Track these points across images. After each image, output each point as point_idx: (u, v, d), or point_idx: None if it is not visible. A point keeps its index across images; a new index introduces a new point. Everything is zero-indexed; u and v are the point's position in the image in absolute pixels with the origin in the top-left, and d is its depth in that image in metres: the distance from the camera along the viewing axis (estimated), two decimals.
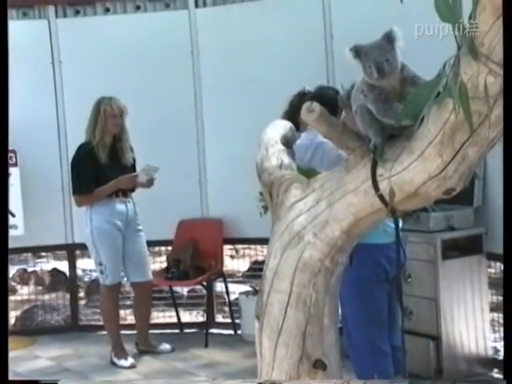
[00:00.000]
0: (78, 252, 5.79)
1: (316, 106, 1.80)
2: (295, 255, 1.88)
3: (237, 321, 5.35)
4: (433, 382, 3.55)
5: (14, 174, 5.09)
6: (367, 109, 1.78)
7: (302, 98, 3.86)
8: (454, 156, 1.62)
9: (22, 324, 5.64)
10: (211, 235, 5.34)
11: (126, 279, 5.09)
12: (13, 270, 6.87)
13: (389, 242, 3.13)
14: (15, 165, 5.12)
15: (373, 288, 3.21)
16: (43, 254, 6.55)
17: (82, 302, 6.06)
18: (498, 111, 1.51)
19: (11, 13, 5.30)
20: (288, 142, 2.25)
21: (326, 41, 4.98)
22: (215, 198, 5.41)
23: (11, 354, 4.02)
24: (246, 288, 5.64)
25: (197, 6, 5.41)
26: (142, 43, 5.32)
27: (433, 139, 1.63)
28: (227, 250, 6.20)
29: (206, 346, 5.06)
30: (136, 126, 4.83)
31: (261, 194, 4.16)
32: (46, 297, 6.14)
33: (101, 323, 5.31)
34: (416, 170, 1.68)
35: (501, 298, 4.84)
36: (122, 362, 4.74)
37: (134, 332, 5.03)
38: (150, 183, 4.78)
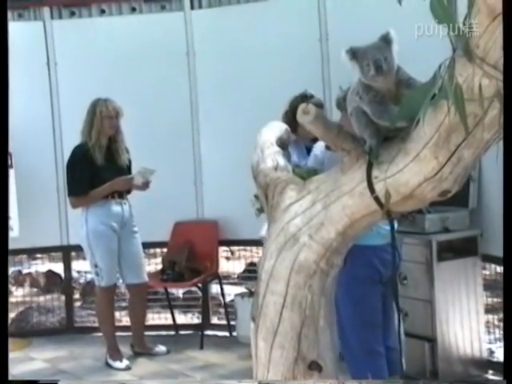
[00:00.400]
0: (73, 254, 5.78)
1: (311, 107, 1.81)
2: (291, 257, 1.88)
3: (232, 322, 5.34)
4: (427, 383, 3.56)
5: (9, 175, 5.08)
6: (362, 111, 1.78)
7: (303, 100, 3.89)
8: (449, 158, 1.63)
9: (17, 326, 5.62)
10: (207, 237, 5.34)
11: (121, 281, 5.08)
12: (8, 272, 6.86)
13: (382, 243, 3.14)
14: (10, 166, 5.11)
15: (366, 289, 3.21)
16: (38, 255, 6.55)
17: (77, 304, 6.05)
18: (493, 113, 1.51)
19: None
20: (283, 144, 2.25)
21: (321, 43, 4.99)
22: (211, 200, 5.41)
23: None
24: (242, 290, 5.63)
25: (192, 7, 5.41)
26: (137, 45, 5.32)
27: (428, 141, 1.63)
28: (223, 251, 6.20)
29: (202, 347, 5.05)
30: (131, 127, 4.83)
31: (256, 196, 4.17)
32: (41, 298, 6.13)
33: (96, 325, 5.30)
34: (411, 171, 1.68)
35: (496, 300, 4.86)
36: (117, 364, 4.73)
37: (130, 334, 5.03)
38: (145, 186, 4.78)
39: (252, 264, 6.06)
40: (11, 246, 4.70)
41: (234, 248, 6.34)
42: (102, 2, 5.54)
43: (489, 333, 4.51)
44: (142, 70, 5.31)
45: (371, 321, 3.25)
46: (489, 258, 4.30)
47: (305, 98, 3.93)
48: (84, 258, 5.29)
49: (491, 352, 4.44)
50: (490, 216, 4.21)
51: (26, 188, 5.23)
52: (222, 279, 5.52)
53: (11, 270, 7.00)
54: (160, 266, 5.45)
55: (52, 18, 5.47)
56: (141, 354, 4.94)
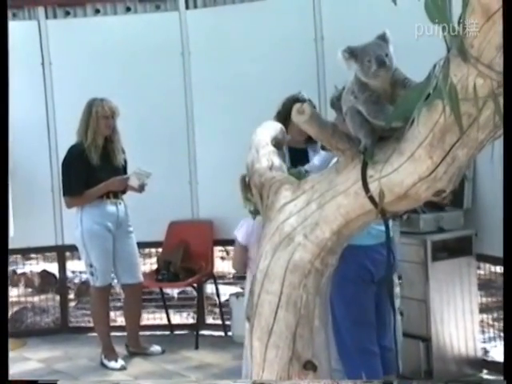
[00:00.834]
0: (67, 253, 5.77)
1: (306, 107, 1.81)
2: (286, 256, 1.88)
3: (227, 322, 5.35)
4: (421, 382, 3.56)
5: None
6: (357, 110, 1.79)
7: (295, 102, 3.90)
8: (443, 157, 1.63)
9: (11, 326, 5.60)
10: (202, 237, 5.34)
11: (116, 281, 5.08)
12: None
13: (373, 243, 3.15)
14: None
15: (357, 289, 3.22)
16: (33, 255, 6.53)
17: (72, 304, 6.05)
18: (488, 113, 1.52)
19: None
20: (278, 144, 2.25)
21: (316, 42, 5.00)
22: (206, 200, 5.41)
23: None
24: (237, 289, 5.64)
25: (187, 7, 5.41)
26: (132, 44, 5.31)
27: (423, 141, 1.63)
28: (218, 251, 6.20)
29: (197, 347, 5.05)
30: (126, 127, 4.82)
31: (247, 198, 4.17)
32: (36, 299, 6.12)
33: (91, 325, 5.29)
34: (406, 171, 1.69)
35: (490, 299, 4.87)
36: (112, 364, 4.73)
37: (124, 334, 5.02)
38: (141, 188, 4.78)
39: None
40: None
41: (229, 248, 6.33)
42: (97, 1, 5.53)
43: (483, 332, 4.53)
44: (137, 70, 5.30)
45: (364, 320, 3.25)
46: (483, 258, 4.31)
47: (297, 100, 3.94)
48: (79, 258, 5.29)
49: (486, 351, 4.46)
50: (485, 216, 4.23)
51: (20, 188, 5.22)
52: (217, 279, 5.52)
53: None
54: (155, 266, 5.44)
55: (47, 17, 5.46)
56: (136, 353, 4.94)
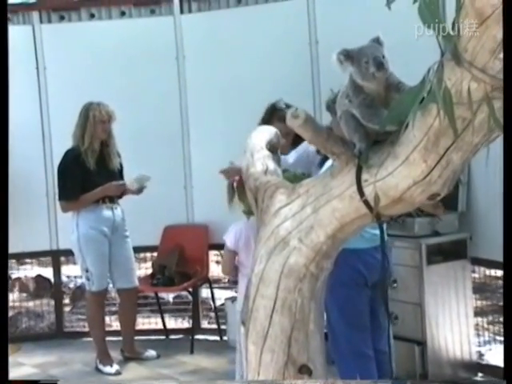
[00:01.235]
0: (62, 258, 5.76)
1: (301, 111, 1.81)
2: (281, 261, 1.88)
3: (222, 327, 5.34)
4: (414, 383, 3.56)
5: None
6: (352, 114, 1.79)
7: (273, 111, 3.97)
8: (438, 161, 1.63)
9: None
10: (197, 241, 5.34)
11: (111, 285, 5.07)
12: None
13: (366, 247, 3.15)
14: None
15: (350, 293, 3.22)
16: (28, 260, 6.52)
17: (67, 309, 6.03)
18: (482, 116, 1.52)
19: None
20: (273, 148, 2.26)
21: (311, 46, 5.00)
22: (201, 204, 5.41)
23: None
24: (232, 294, 5.63)
25: (182, 11, 5.41)
26: (127, 49, 5.31)
27: (417, 144, 1.64)
28: (213, 255, 6.19)
29: (192, 352, 5.04)
30: (122, 131, 4.82)
31: (240, 199, 4.20)
32: (31, 303, 6.10)
33: (86, 330, 5.28)
34: (401, 175, 1.69)
35: (485, 303, 4.88)
36: (108, 369, 4.72)
37: (120, 338, 5.01)
38: (139, 191, 4.79)
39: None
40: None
41: None
42: (92, 6, 5.54)
43: (478, 335, 4.53)
44: (132, 75, 5.30)
45: (357, 324, 3.26)
46: (478, 261, 4.32)
47: (274, 107, 4.02)
48: (74, 263, 5.28)
49: (480, 355, 4.46)
50: (479, 219, 4.23)
51: (15, 193, 5.19)
52: (212, 283, 5.51)
53: None
54: (150, 271, 5.43)
55: (41, 22, 5.45)
56: (131, 358, 4.92)
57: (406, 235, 4.11)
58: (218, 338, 5.36)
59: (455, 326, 4.20)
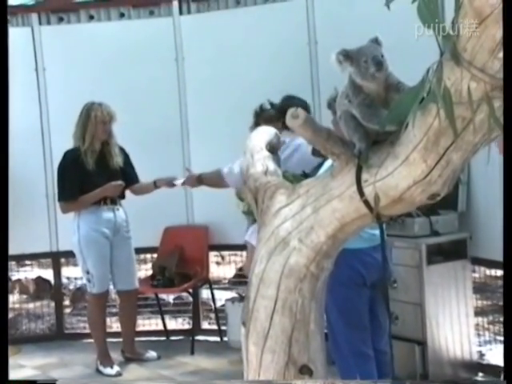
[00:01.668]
0: (62, 260, 5.76)
1: (301, 111, 1.81)
2: (281, 261, 1.88)
3: (223, 327, 5.34)
4: (414, 383, 3.56)
5: None
6: (352, 114, 1.79)
7: (259, 113, 4.02)
8: (438, 161, 1.63)
9: None
10: (197, 242, 5.34)
11: (112, 287, 5.06)
12: None
13: (365, 247, 3.15)
14: None
15: (349, 293, 3.22)
16: (28, 262, 6.52)
17: (67, 310, 6.03)
18: (482, 116, 1.52)
19: None
20: (273, 149, 2.26)
21: (310, 47, 5.00)
22: (201, 205, 5.40)
23: None
24: (232, 294, 5.63)
25: (181, 13, 5.41)
26: (126, 50, 5.32)
27: (417, 144, 1.64)
28: (213, 256, 6.20)
29: (192, 353, 5.04)
30: (121, 132, 4.82)
31: (239, 198, 4.20)
32: (31, 305, 6.10)
33: (86, 331, 5.28)
34: (400, 175, 1.69)
35: (485, 303, 4.88)
36: (108, 370, 4.72)
37: (120, 340, 5.01)
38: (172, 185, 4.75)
39: (242, 269, 6.06)
40: None
41: (225, 253, 6.34)
42: (91, 7, 5.54)
43: (478, 335, 4.53)
44: (131, 76, 5.30)
45: (357, 323, 3.26)
46: (478, 261, 4.32)
47: (261, 109, 4.09)
48: (74, 265, 5.28)
49: (481, 354, 4.46)
50: (479, 219, 4.24)
51: (14, 194, 5.19)
52: (212, 284, 5.52)
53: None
54: (150, 272, 5.43)
55: (40, 23, 5.46)
56: (131, 359, 4.92)
57: (405, 235, 4.11)
58: (218, 338, 5.36)
59: (455, 326, 4.20)
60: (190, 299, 5.53)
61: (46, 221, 5.41)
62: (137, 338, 5.07)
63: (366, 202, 1.76)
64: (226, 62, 5.21)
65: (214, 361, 4.89)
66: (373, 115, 1.74)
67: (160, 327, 5.57)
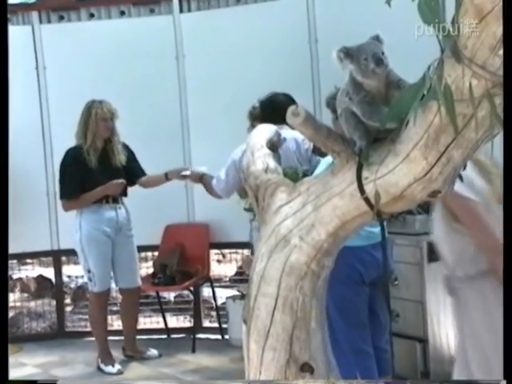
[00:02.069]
0: (63, 258, 5.77)
1: (301, 109, 1.81)
2: (282, 259, 1.88)
3: (224, 325, 5.34)
4: (415, 382, 3.57)
5: None
6: (352, 112, 1.79)
7: (251, 113, 4.07)
8: (438, 158, 1.63)
9: None
10: (198, 240, 5.34)
11: (114, 285, 5.06)
12: None
13: (363, 244, 3.15)
14: None
15: (347, 291, 3.22)
16: (28, 260, 6.52)
17: (69, 309, 6.04)
18: (482, 113, 1.52)
19: None
20: (274, 146, 2.25)
21: (310, 45, 5.00)
22: (201, 203, 5.41)
23: None
24: (233, 292, 5.63)
25: (181, 11, 5.42)
26: (126, 48, 5.32)
27: (417, 142, 1.63)
28: (214, 254, 6.20)
29: (194, 351, 5.05)
30: (121, 130, 4.83)
31: (240, 195, 4.21)
32: (32, 304, 6.11)
33: (87, 329, 5.29)
34: (401, 172, 1.69)
35: None
36: (109, 369, 4.72)
37: (121, 338, 5.01)
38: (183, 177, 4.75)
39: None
40: None
41: (226, 251, 6.34)
42: (91, 5, 5.54)
43: None
44: (132, 74, 5.31)
45: (356, 321, 3.26)
46: None
47: (252, 109, 4.12)
48: (75, 263, 5.28)
49: None
50: None
51: (15, 192, 5.20)
52: (213, 282, 5.52)
53: None
54: (151, 270, 5.44)
55: (41, 22, 5.46)
56: (133, 357, 4.93)
57: (406, 232, 4.11)
58: (219, 336, 5.36)
59: None
60: (191, 297, 5.53)
61: (46, 219, 5.42)
62: (138, 336, 5.07)
63: (367, 200, 1.76)
64: (227, 59, 5.21)
65: (215, 359, 4.89)
66: (373, 112, 1.74)
67: (161, 325, 5.57)
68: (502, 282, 2.17)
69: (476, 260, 1.96)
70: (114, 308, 5.61)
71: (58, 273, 5.69)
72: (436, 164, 1.64)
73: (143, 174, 4.86)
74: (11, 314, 5.85)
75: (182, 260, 5.29)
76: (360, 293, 3.26)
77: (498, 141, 1.61)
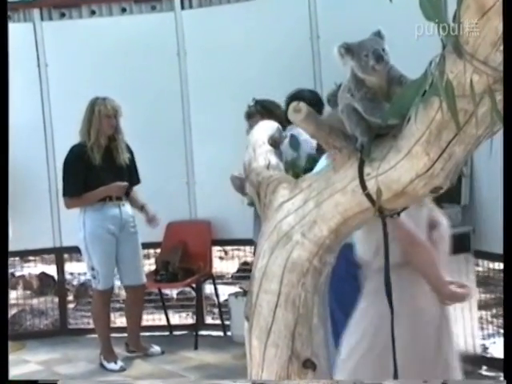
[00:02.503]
0: (66, 255, 5.77)
1: (303, 105, 1.80)
2: (284, 255, 1.88)
3: (226, 322, 5.35)
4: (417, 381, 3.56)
5: None
6: (354, 108, 1.78)
7: (249, 111, 4.09)
8: (440, 154, 1.63)
9: (10, 329, 5.59)
10: (200, 237, 5.34)
11: (118, 282, 5.06)
12: None
13: None
14: None
15: (345, 286, 3.22)
16: (31, 258, 6.53)
17: (71, 306, 6.04)
18: (484, 109, 1.52)
19: None
20: (275, 143, 2.25)
21: (312, 41, 5.00)
22: (203, 200, 5.41)
23: None
24: (236, 289, 5.64)
25: (183, 7, 5.41)
26: (128, 45, 5.32)
27: (419, 138, 1.63)
28: (216, 251, 6.20)
29: (196, 347, 5.05)
30: (123, 127, 4.82)
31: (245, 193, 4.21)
32: (35, 301, 6.12)
33: (90, 327, 5.29)
34: (403, 168, 1.69)
35: (489, 296, 4.88)
36: (112, 366, 4.73)
37: (124, 335, 5.02)
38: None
39: (245, 263, 6.07)
40: None
41: (228, 248, 6.34)
42: (93, 2, 5.53)
43: (482, 329, 4.53)
44: (133, 71, 5.31)
45: None
46: (481, 254, 4.32)
47: (249, 107, 4.14)
48: (77, 260, 5.28)
49: (485, 348, 4.46)
50: (483, 212, 4.23)
51: (17, 190, 5.21)
52: (215, 279, 5.53)
53: None
54: (153, 267, 5.44)
55: (42, 19, 5.46)
56: (135, 354, 4.93)
57: None
58: (221, 333, 5.37)
59: (459, 320, 4.19)
60: (194, 294, 5.54)
61: (49, 216, 5.42)
62: (141, 333, 5.07)
63: (369, 196, 1.76)
64: (228, 56, 5.21)
65: (217, 355, 4.90)
66: (375, 109, 1.74)
67: (163, 322, 5.58)
68: (416, 270, 2.24)
69: (391, 253, 2.03)
70: (117, 305, 5.62)
71: (61, 270, 5.70)
72: (438, 160, 1.64)
73: (138, 181, 4.87)
74: (14, 311, 5.86)
75: (184, 257, 5.30)
76: (360, 288, 3.26)
77: (501, 134, 1.61)
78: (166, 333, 5.52)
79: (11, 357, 4.99)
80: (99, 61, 5.33)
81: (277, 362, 1.88)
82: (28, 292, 6.72)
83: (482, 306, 4.65)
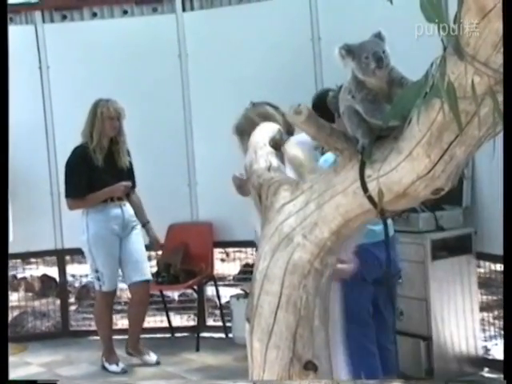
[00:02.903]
0: (67, 257, 5.77)
1: (304, 107, 1.80)
2: (285, 257, 1.88)
3: (228, 324, 5.34)
4: (420, 381, 3.57)
5: None
6: (355, 110, 1.78)
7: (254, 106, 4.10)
8: (441, 156, 1.63)
9: (12, 331, 5.60)
10: (201, 239, 5.34)
11: (124, 283, 5.04)
12: None
13: (362, 242, 3.14)
14: None
15: (349, 288, 3.21)
16: (33, 260, 6.52)
17: (73, 308, 6.04)
18: (485, 110, 1.52)
19: None
20: (276, 145, 2.25)
21: (313, 43, 5.00)
22: (205, 202, 5.41)
23: None
24: (237, 291, 5.64)
25: (184, 9, 5.42)
26: (129, 47, 5.32)
27: (420, 139, 1.63)
28: (218, 253, 6.20)
29: (198, 349, 5.05)
30: (125, 129, 4.82)
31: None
32: (36, 303, 6.12)
33: (91, 328, 5.29)
34: (404, 170, 1.69)
35: (490, 298, 4.87)
36: (114, 368, 4.72)
37: (126, 337, 5.01)
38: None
39: (247, 265, 6.06)
40: None
41: (229, 249, 6.34)
42: (94, 5, 5.54)
43: (484, 330, 4.53)
44: (135, 73, 5.31)
45: (358, 319, 3.25)
46: (483, 256, 4.32)
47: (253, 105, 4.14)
48: (79, 262, 5.28)
49: (487, 349, 4.46)
50: (484, 214, 4.23)
51: (19, 191, 5.22)
52: (217, 281, 5.52)
53: None
54: (155, 269, 5.44)
55: (44, 21, 5.47)
56: (133, 356, 4.91)
57: (410, 230, 4.11)
58: (223, 335, 5.36)
59: (461, 321, 4.20)
60: (195, 296, 5.53)
61: (50, 218, 5.42)
62: (142, 335, 5.07)
63: (370, 198, 1.75)
64: (230, 58, 5.21)
65: (219, 357, 4.89)
66: (376, 110, 1.74)
67: (165, 324, 5.58)
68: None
69: None
70: (119, 307, 5.62)
71: (62, 272, 5.70)
72: (439, 162, 1.64)
73: (134, 185, 4.86)
74: (16, 313, 5.86)
75: (185, 259, 5.29)
76: (362, 291, 3.26)
77: (498, 138, 1.61)
78: (168, 335, 5.52)
79: (13, 359, 5.00)
80: (100, 63, 5.33)
81: (278, 363, 1.87)
82: (30, 294, 6.71)
83: (484, 307, 4.65)
